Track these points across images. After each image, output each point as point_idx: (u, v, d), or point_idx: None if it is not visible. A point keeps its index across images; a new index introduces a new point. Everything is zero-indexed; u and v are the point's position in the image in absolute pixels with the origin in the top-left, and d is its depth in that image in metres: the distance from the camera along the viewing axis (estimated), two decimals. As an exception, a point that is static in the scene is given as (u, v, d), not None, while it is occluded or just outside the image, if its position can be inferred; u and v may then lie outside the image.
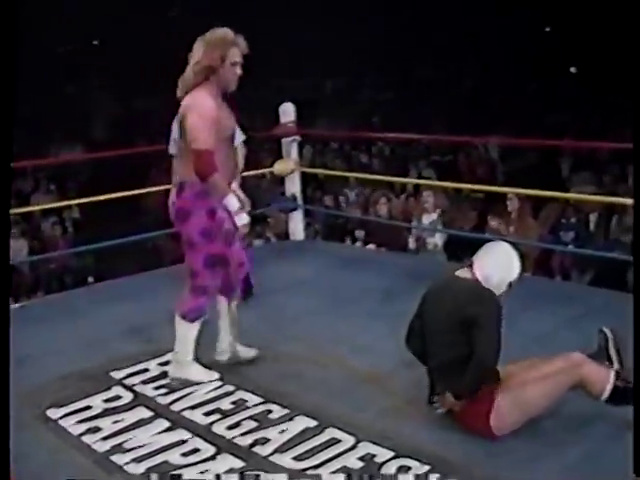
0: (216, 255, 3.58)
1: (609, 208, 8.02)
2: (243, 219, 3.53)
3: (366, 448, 3.03)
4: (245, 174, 5.35)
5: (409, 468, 2.89)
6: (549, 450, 2.98)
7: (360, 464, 2.93)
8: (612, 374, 3.05)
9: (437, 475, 2.81)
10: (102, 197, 5.75)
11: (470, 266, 3.22)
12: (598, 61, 15.38)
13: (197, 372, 3.67)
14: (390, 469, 2.89)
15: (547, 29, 17.60)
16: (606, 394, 3.02)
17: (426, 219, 6.95)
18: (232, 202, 3.48)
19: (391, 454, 2.98)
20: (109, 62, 16.19)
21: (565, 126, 12.76)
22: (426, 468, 2.87)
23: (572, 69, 17.36)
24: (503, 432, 3.04)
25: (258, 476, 2.81)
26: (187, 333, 3.65)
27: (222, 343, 3.86)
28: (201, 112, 3.42)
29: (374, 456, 2.98)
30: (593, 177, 9.74)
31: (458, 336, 3.06)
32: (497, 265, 3.17)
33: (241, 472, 2.88)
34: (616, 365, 3.51)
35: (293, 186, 6.31)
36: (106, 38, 16.88)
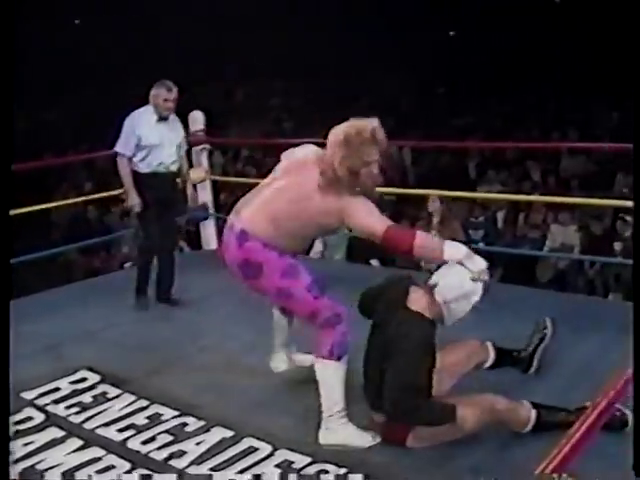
0: (312, 281, 3.19)
1: (515, 205, 8.27)
2: (481, 263, 3.07)
3: (283, 455, 3.05)
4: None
5: (327, 472, 2.91)
6: (458, 451, 3.05)
7: (278, 471, 2.94)
8: (533, 415, 3.07)
9: (357, 476, 2.84)
10: (10, 212, 5.60)
11: (423, 292, 3.14)
12: (503, 63, 15.82)
13: (352, 435, 3.18)
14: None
15: (451, 33, 18.02)
16: (527, 429, 3.08)
17: None
18: (457, 250, 3.05)
19: (308, 460, 3.00)
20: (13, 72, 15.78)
21: (470, 128, 13.08)
22: (343, 471, 2.90)
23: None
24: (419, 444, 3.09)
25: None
26: (334, 375, 3.15)
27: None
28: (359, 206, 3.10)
29: (292, 463, 2.99)
30: (499, 176, 10.02)
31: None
32: (456, 302, 3.06)
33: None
34: (532, 369, 3.58)
35: (205, 195, 6.28)
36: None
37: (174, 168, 5.01)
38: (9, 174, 2.49)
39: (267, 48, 16.24)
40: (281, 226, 3.14)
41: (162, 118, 4.89)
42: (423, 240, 3.05)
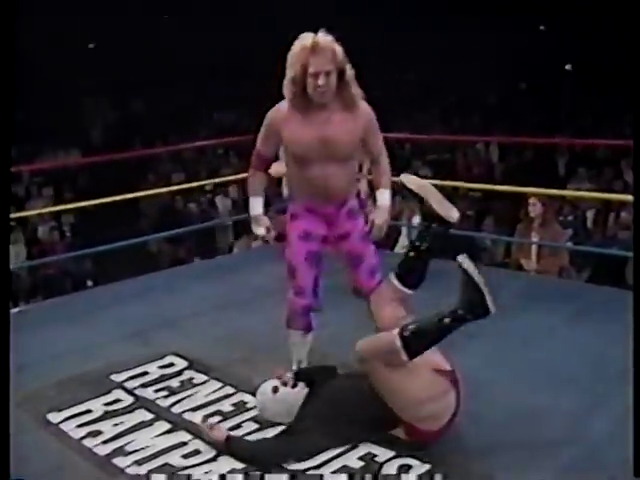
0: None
1: (606, 205, 8.05)
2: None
3: (367, 448, 3.03)
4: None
5: (410, 467, 2.89)
6: (543, 453, 2.99)
7: (360, 463, 2.93)
8: (395, 332, 2.92)
9: (439, 474, 2.80)
10: (97, 201, 5.71)
11: None
12: (593, 60, 15.43)
13: None
14: (391, 469, 2.89)
15: (541, 27, 17.63)
16: (398, 342, 2.90)
17: (415, 220, 6.91)
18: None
19: (391, 454, 2.98)
20: (105, 65, 16.19)
21: (559, 125, 12.81)
22: (427, 467, 2.88)
23: (567, 67, 17.40)
24: (437, 427, 3.01)
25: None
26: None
27: None
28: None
29: (375, 456, 2.98)
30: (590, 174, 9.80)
31: None
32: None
33: (245, 472, 2.89)
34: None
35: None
36: (102, 41, 16.86)
37: None
38: (8, 179, 2.52)
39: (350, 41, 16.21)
40: None
41: None
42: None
